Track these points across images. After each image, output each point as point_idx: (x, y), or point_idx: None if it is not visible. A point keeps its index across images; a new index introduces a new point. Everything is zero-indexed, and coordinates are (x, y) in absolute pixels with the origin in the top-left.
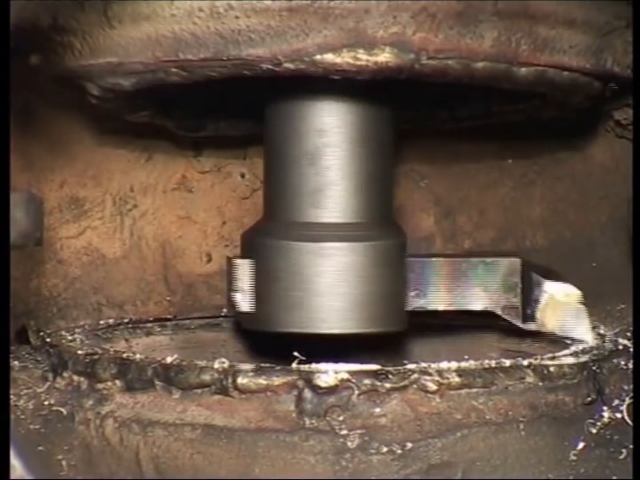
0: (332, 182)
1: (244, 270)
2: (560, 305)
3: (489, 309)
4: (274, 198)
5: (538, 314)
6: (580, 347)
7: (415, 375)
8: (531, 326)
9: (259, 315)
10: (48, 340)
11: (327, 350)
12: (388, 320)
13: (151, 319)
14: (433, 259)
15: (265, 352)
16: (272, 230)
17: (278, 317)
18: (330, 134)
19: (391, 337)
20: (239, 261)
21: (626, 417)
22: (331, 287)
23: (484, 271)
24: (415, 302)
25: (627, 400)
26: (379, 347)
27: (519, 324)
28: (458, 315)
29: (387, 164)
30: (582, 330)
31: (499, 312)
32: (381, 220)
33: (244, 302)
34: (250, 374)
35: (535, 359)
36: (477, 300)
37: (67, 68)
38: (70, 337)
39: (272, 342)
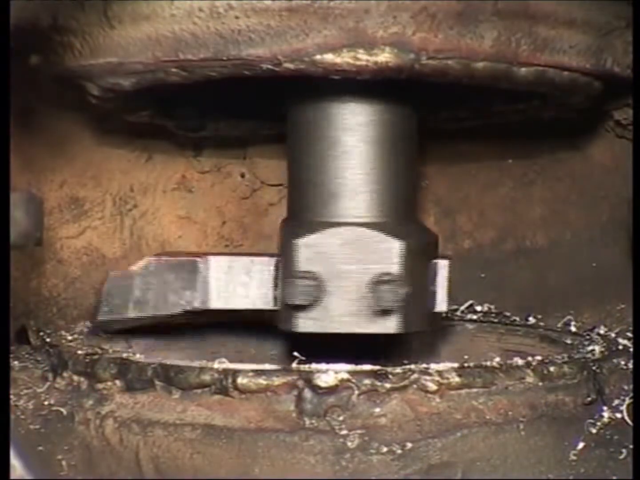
0: (362, 183)
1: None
2: None
3: None
4: (299, 198)
5: None
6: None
7: (415, 375)
8: None
9: (286, 314)
10: (48, 340)
11: (334, 351)
12: (422, 321)
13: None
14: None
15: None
16: (299, 230)
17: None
18: (355, 134)
19: (391, 337)
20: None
21: (626, 417)
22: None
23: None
24: None
25: (627, 400)
26: (379, 347)
27: None
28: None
29: (412, 163)
30: None
31: None
32: (409, 218)
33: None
34: (250, 374)
35: (535, 359)
36: None
37: (67, 68)
38: (70, 337)
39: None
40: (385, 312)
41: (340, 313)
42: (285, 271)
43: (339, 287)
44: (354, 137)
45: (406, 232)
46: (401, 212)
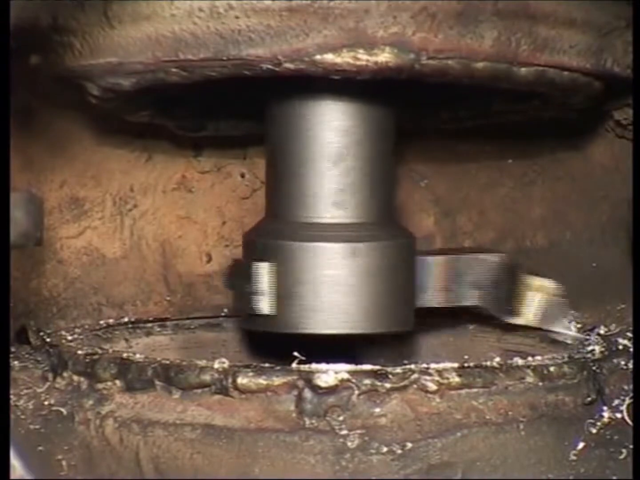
0: (353, 183)
1: (264, 272)
2: (543, 299)
3: (479, 305)
4: (282, 199)
5: (522, 309)
6: (580, 346)
7: (415, 375)
8: (517, 321)
9: (282, 317)
10: (48, 340)
11: (332, 351)
12: (403, 320)
13: (151, 319)
14: (430, 257)
15: (271, 353)
16: (287, 231)
17: (303, 318)
18: (348, 135)
19: (391, 336)
20: (259, 264)
21: (626, 417)
22: (358, 288)
23: (475, 267)
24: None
25: (627, 400)
26: (379, 347)
27: (506, 318)
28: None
29: (391, 164)
30: (564, 323)
31: (487, 307)
32: (390, 219)
33: (265, 304)
34: (250, 374)
35: (535, 359)
36: (469, 297)
37: (67, 68)
38: (70, 337)
39: (278, 343)
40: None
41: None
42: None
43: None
44: (333, 136)
45: (387, 232)
46: (383, 212)
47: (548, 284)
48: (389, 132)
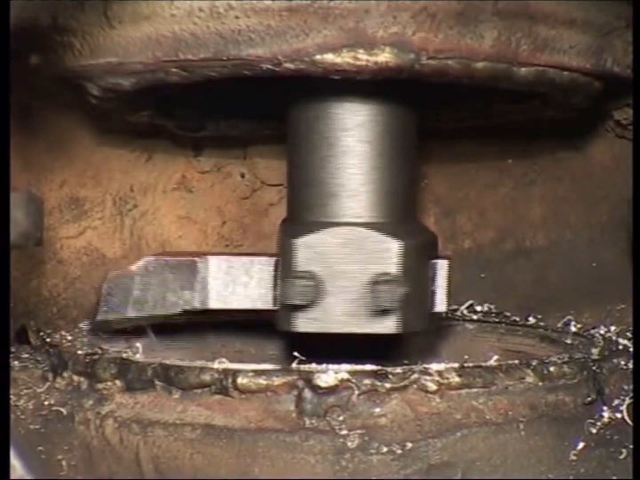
0: (362, 183)
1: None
2: None
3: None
4: (299, 198)
5: None
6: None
7: (415, 375)
8: None
9: (286, 314)
10: (48, 340)
11: (334, 350)
12: (421, 321)
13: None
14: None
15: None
16: (298, 230)
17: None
18: (354, 134)
19: (392, 337)
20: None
21: (626, 417)
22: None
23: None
24: None
25: (627, 400)
26: (379, 347)
27: None
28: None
29: (411, 162)
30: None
31: None
32: (410, 218)
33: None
34: (250, 374)
35: (535, 359)
36: None
37: (67, 68)
38: (70, 337)
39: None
40: (383, 313)
41: (338, 313)
42: (284, 271)
43: (338, 287)
44: (353, 137)
45: (405, 232)
46: (400, 212)
47: None
48: (408, 131)
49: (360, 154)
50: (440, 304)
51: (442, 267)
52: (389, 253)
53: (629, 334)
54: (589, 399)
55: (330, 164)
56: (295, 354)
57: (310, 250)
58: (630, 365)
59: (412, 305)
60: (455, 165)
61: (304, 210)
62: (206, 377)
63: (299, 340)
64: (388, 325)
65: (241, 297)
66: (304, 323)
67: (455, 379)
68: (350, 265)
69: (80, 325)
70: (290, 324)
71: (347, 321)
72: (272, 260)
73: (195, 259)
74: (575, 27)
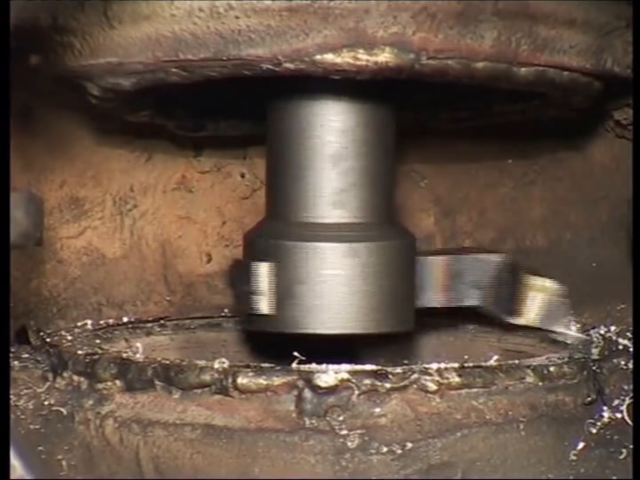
0: (353, 183)
1: (264, 272)
2: (544, 299)
3: (480, 305)
4: (282, 198)
5: (523, 309)
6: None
7: (415, 375)
8: (519, 321)
9: (282, 317)
10: (48, 340)
11: (332, 351)
12: (405, 320)
13: (151, 319)
14: (430, 258)
15: (271, 353)
16: (287, 231)
17: (303, 318)
18: (348, 134)
19: (391, 337)
20: (258, 263)
21: (626, 417)
22: (357, 288)
23: (476, 267)
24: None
25: (627, 400)
26: (379, 347)
27: (507, 319)
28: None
29: (390, 163)
30: (565, 324)
31: (488, 307)
32: (390, 219)
33: (264, 304)
34: (250, 374)
35: (535, 359)
36: (470, 297)
37: (67, 68)
38: (70, 337)
39: (278, 343)
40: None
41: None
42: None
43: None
44: (333, 136)
45: (387, 233)
46: (383, 213)
47: (549, 284)
48: (389, 132)
49: (341, 154)
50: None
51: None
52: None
53: (629, 334)
54: (589, 399)
55: (311, 163)
56: (295, 354)
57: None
58: (630, 365)
59: (395, 304)
60: (455, 165)
61: (288, 211)
62: (206, 377)
63: (299, 340)
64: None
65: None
66: (292, 324)
67: (455, 379)
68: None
69: (79, 324)
70: (279, 325)
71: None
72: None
73: None
74: (575, 27)
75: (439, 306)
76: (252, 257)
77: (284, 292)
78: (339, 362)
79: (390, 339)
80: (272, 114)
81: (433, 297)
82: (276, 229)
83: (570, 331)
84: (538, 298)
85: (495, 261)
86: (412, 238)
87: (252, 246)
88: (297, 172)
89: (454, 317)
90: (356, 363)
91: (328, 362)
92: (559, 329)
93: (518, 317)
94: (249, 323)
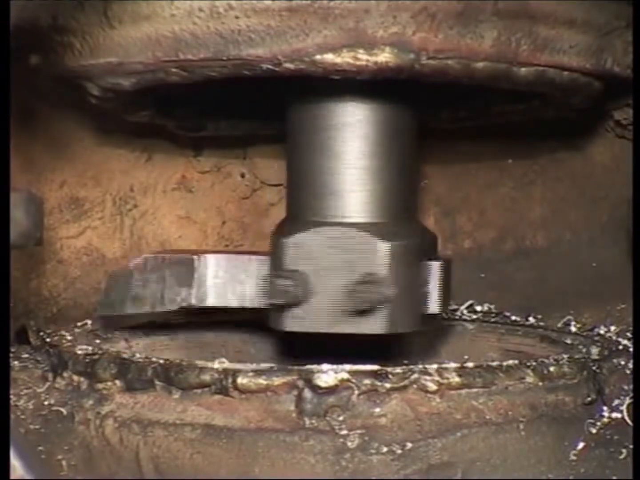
0: (354, 182)
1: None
2: None
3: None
4: (295, 197)
5: None
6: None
7: (415, 375)
8: None
9: (279, 313)
10: (48, 340)
11: (330, 351)
12: (411, 322)
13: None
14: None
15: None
16: (293, 229)
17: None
18: (349, 133)
19: (391, 337)
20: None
21: (626, 417)
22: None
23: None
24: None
25: (627, 400)
26: (379, 347)
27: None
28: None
29: (409, 162)
30: None
31: None
32: (406, 219)
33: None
34: (250, 374)
35: (535, 359)
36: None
37: (67, 68)
38: (70, 337)
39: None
40: (370, 312)
41: (326, 313)
42: (272, 270)
43: (325, 287)
44: (347, 136)
45: (395, 233)
46: (394, 212)
47: None
48: (407, 132)
49: (352, 153)
50: (434, 306)
51: (435, 268)
52: (374, 254)
53: (629, 334)
54: (589, 399)
55: (323, 163)
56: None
57: (297, 249)
58: (630, 365)
59: (400, 305)
60: (455, 165)
61: (297, 209)
62: (206, 377)
63: (293, 340)
64: (374, 326)
65: (238, 295)
66: (291, 322)
67: (455, 379)
68: (337, 265)
69: (79, 324)
70: (277, 323)
71: (334, 321)
72: (269, 259)
73: (193, 256)
74: (575, 27)
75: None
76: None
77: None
78: (339, 362)
79: (389, 339)
80: (288, 115)
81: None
82: (283, 227)
83: None
84: None
85: None
86: (429, 237)
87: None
88: (313, 172)
89: (454, 317)
90: (356, 363)
91: (328, 362)
92: None
93: None
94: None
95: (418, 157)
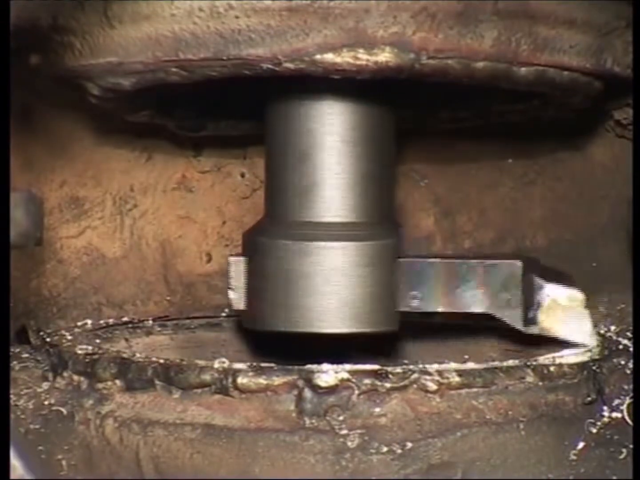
0: (326, 181)
1: (239, 268)
2: (562, 308)
3: (489, 312)
4: (271, 197)
5: (539, 317)
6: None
7: (415, 375)
8: (533, 330)
9: (251, 313)
10: (48, 340)
11: (326, 350)
12: (378, 320)
13: (151, 319)
14: (432, 260)
15: (267, 352)
16: (267, 229)
17: (268, 315)
18: (324, 134)
19: (391, 337)
20: (233, 259)
21: (626, 417)
22: (321, 287)
23: (484, 273)
24: (414, 303)
25: (627, 400)
26: (378, 347)
27: (519, 327)
28: (457, 316)
29: (385, 163)
30: (584, 334)
31: (499, 315)
32: (377, 220)
33: (238, 300)
34: (250, 373)
35: (536, 359)
36: (477, 303)
37: (67, 68)
38: (70, 337)
39: (273, 342)
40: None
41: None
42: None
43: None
44: (324, 137)
45: (371, 232)
46: (377, 212)
47: (570, 293)
48: (387, 132)
49: (333, 152)
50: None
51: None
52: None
53: (629, 334)
54: (589, 399)
55: (303, 162)
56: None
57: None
58: (630, 365)
59: (375, 304)
60: (455, 165)
61: (276, 209)
62: (206, 377)
63: (297, 340)
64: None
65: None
66: (282, 323)
67: (455, 379)
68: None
69: (79, 324)
70: (269, 324)
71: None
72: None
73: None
74: (575, 27)
75: (443, 310)
76: (249, 255)
77: (254, 288)
78: (339, 362)
79: (389, 340)
80: (266, 114)
81: (435, 301)
82: (261, 226)
83: (590, 342)
84: (556, 307)
85: (506, 267)
86: (393, 238)
87: (242, 244)
88: (280, 171)
89: (453, 317)
90: (356, 363)
91: (328, 362)
92: (578, 340)
93: (533, 325)
94: (249, 322)
95: (396, 158)
